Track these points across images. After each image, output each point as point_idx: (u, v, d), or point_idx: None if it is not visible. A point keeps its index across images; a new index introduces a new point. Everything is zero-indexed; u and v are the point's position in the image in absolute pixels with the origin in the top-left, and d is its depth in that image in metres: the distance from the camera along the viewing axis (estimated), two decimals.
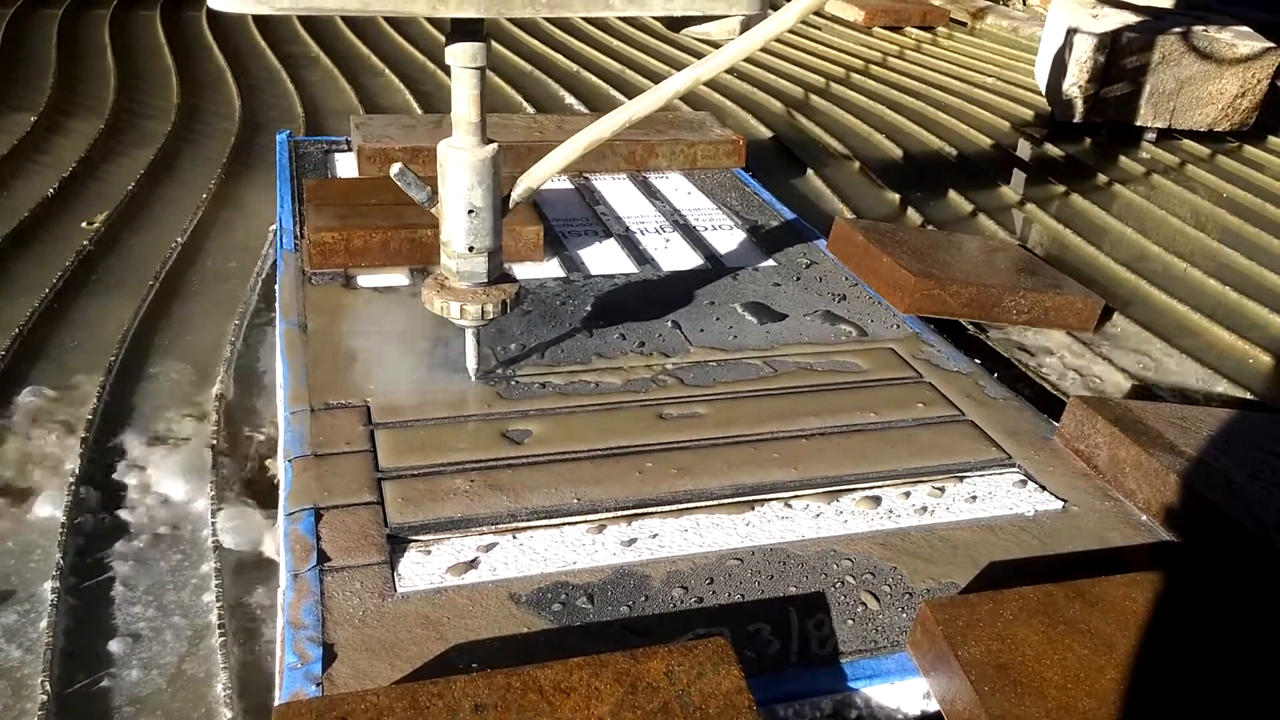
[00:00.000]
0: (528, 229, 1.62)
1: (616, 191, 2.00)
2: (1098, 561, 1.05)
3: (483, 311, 1.21)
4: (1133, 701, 0.81)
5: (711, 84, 3.34)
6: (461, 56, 1.10)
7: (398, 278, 1.56)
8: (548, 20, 3.94)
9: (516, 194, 1.21)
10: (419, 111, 2.86)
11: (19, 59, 3.15)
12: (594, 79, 3.34)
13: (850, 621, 0.95)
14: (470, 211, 1.16)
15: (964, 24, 4.58)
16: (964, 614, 0.88)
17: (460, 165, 1.14)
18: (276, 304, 1.52)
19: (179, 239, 1.97)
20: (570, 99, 3.10)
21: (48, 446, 1.34)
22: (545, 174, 1.20)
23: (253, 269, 1.88)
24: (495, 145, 1.16)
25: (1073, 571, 0.99)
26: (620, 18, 4.13)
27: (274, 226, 1.87)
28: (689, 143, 2.13)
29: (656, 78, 3.23)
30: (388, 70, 3.28)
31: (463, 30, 1.09)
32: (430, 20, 3.87)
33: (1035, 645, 0.86)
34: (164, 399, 1.47)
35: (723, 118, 2.64)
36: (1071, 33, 2.90)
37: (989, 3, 4.78)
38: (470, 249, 1.18)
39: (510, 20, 3.81)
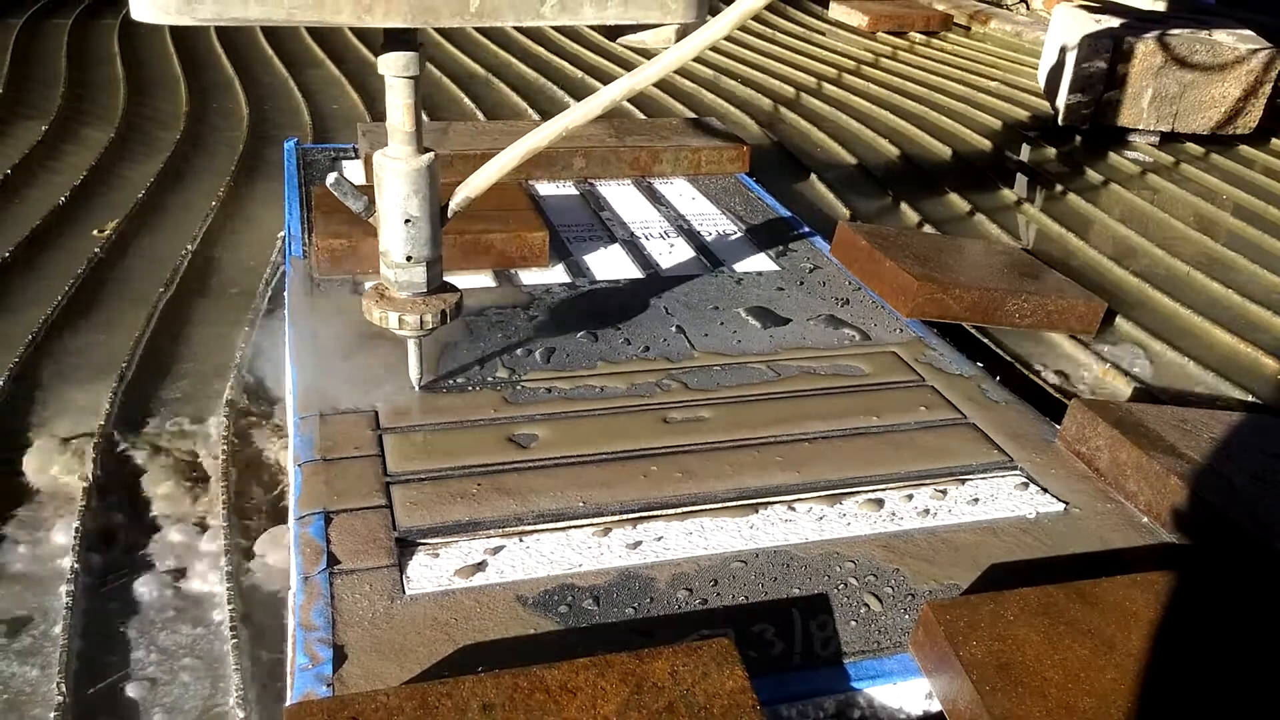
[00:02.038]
0: (533, 234, 1.64)
1: (621, 197, 2.01)
2: (1099, 563, 1.06)
3: (421, 321, 1.20)
4: (1133, 702, 0.82)
5: (714, 88, 3.36)
6: (394, 65, 1.09)
7: None
8: (554, 29, 3.96)
9: (455, 203, 1.20)
10: (425, 119, 2.88)
11: (30, 68, 3.18)
12: (600, 86, 3.35)
13: (853, 622, 0.96)
14: (407, 221, 1.15)
15: (967, 28, 4.59)
16: (966, 615, 0.89)
17: (395, 175, 1.13)
18: (285, 310, 1.53)
19: (189, 245, 1.99)
20: None
21: (59, 453, 1.35)
22: (484, 183, 1.19)
23: (262, 275, 1.90)
24: (431, 154, 1.15)
25: (1074, 573, 1.00)
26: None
27: (283, 233, 1.89)
28: (693, 148, 2.14)
29: (661, 85, 3.24)
30: None
31: (395, 40, 1.08)
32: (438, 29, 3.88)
33: (1036, 646, 0.87)
34: (175, 406, 1.49)
35: (726, 122, 2.65)
36: (1074, 38, 2.91)
37: (992, 7, 4.79)
38: (408, 258, 1.18)
39: (518, 29, 3.83)
